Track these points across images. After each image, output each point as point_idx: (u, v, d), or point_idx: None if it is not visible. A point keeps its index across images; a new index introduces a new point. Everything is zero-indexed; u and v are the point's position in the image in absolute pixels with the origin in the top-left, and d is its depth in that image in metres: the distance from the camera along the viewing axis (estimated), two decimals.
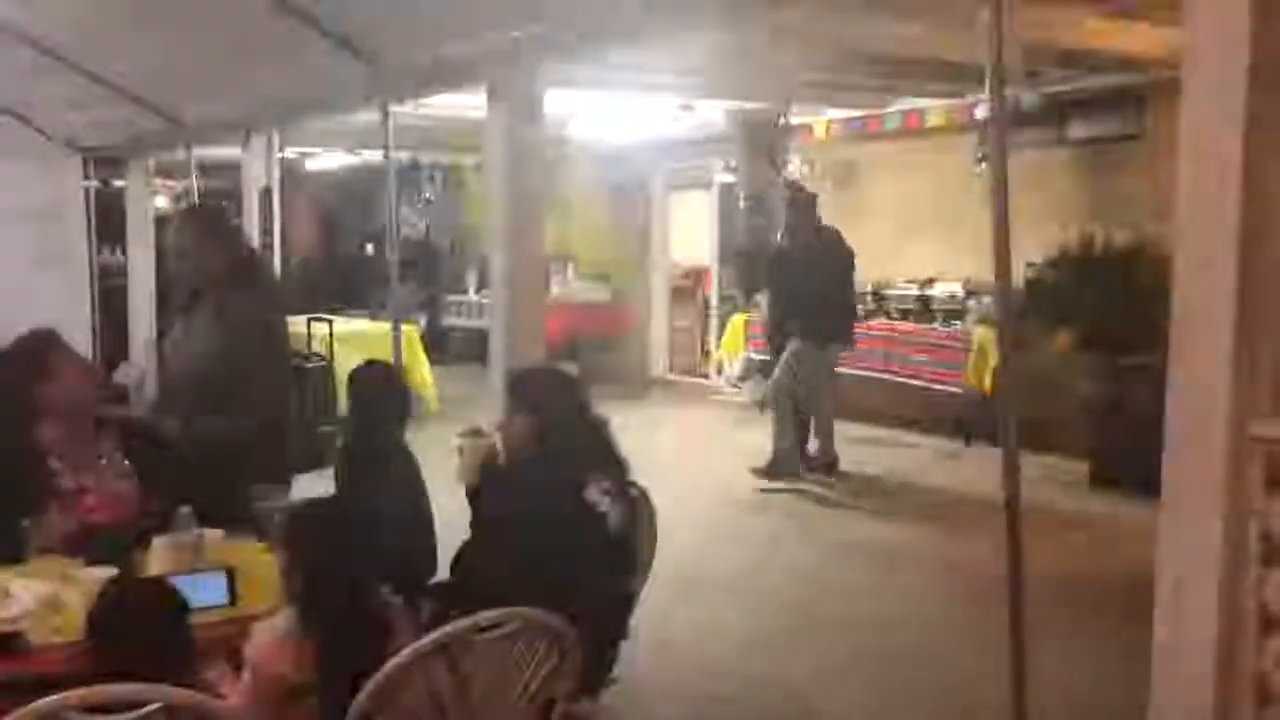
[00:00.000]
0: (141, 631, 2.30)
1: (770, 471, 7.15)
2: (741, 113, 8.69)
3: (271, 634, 2.40)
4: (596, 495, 2.88)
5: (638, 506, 3.20)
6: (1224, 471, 2.52)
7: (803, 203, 7.34)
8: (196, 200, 7.55)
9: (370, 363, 3.93)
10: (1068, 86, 7.16)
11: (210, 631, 2.60)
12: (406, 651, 2.33)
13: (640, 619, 3.30)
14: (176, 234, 4.19)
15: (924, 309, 8.35)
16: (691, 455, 8.15)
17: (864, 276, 8.83)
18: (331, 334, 8.29)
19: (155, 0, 5.11)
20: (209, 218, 4.45)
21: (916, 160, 8.56)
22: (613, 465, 3.03)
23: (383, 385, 3.70)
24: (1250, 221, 2.48)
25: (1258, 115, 2.46)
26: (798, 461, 7.24)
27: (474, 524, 3.07)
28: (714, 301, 11.00)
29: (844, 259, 7.23)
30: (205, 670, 2.43)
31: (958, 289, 8.19)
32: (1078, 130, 7.59)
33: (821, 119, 9.04)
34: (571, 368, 8.00)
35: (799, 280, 7.15)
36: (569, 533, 2.84)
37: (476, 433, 3.25)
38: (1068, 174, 7.71)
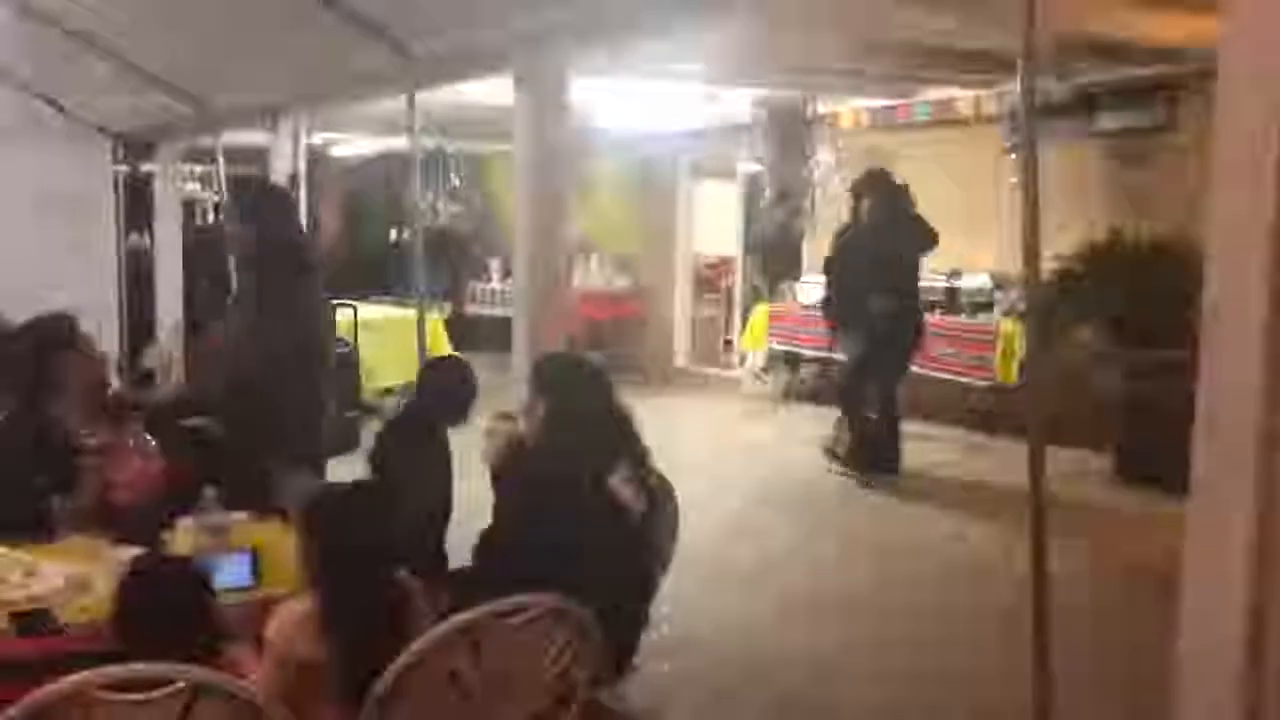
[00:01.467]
0: (167, 611, 2.33)
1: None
2: (768, 101, 8.64)
3: (292, 616, 2.41)
4: (618, 484, 2.88)
5: (660, 496, 3.20)
6: (1253, 468, 2.49)
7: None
8: (221, 186, 7.60)
9: (447, 358, 3.97)
10: (1098, 77, 7.08)
11: (234, 612, 2.63)
12: (427, 636, 2.34)
13: (662, 608, 3.31)
14: (235, 214, 4.28)
15: (951, 301, 8.28)
16: (714, 446, 8.14)
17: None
18: (356, 320, 8.33)
19: None
20: (278, 197, 4.54)
21: (945, 150, 8.49)
22: (635, 454, 3.03)
23: (455, 382, 3.72)
24: None
25: None
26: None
27: (497, 509, 3.08)
28: (738, 292, 10.97)
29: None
30: (229, 650, 2.45)
31: (986, 281, 8.12)
32: (1108, 122, 7.49)
33: (849, 108, 8.98)
34: (596, 357, 8.01)
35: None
36: (590, 520, 2.84)
37: (505, 417, 3.26)
38: (1097, 166, 7.63)
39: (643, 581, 3.10)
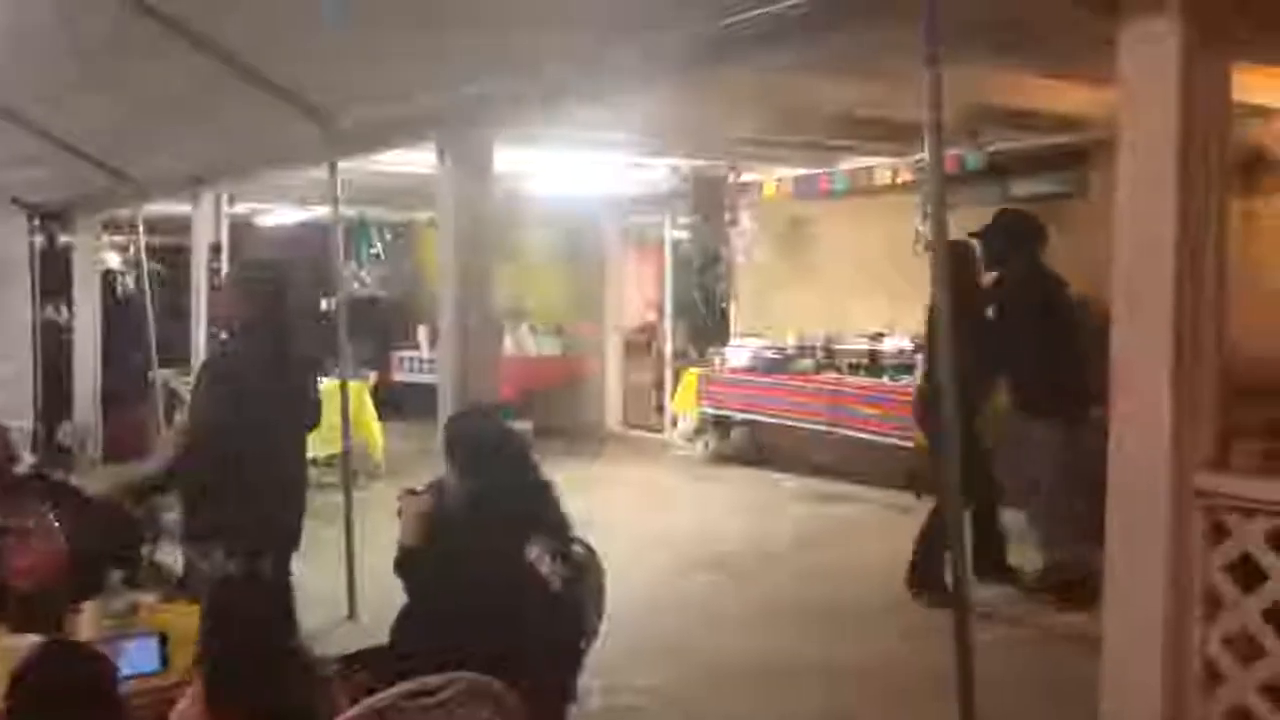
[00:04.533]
0: (67, 700, 2.23)
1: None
2: (692, 170, 8.77)
3: (196, 701, 2.32)
4: (536, 554, 2.84)
5: (584, 566, 3.16)
6: (1166, 529, 2.54)
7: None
8: (141, 257, 7.49)
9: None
10: (1010, 145, 7.30)
11: (141, 699, 2.53)
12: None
13: (590, 681, 3.24)
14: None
15: (873, 363, 8.41)
16: (645, 512, 8.09)
17: (814, 331, 8.98)
18: None
19: (104, 58, 5.09)
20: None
21: (866, 217, 8.67)
22: (557, 524, 2.99)
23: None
24: (1184, 267, 2.54)
25: (1189, 168, 2.53)
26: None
27: (413, 586, 3.01)
28: (668, 356, 11.03)
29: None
30: None
31: (907, 344, 8.26)
32: (1020, 188, 7.70)
33: (771, 177, 9.15)
34: (525, 424, 7.94)
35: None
36: (509, 594, 2.79)
37: (412, 492, 3.15)
38: None
39: (566, 654, 3.05)
